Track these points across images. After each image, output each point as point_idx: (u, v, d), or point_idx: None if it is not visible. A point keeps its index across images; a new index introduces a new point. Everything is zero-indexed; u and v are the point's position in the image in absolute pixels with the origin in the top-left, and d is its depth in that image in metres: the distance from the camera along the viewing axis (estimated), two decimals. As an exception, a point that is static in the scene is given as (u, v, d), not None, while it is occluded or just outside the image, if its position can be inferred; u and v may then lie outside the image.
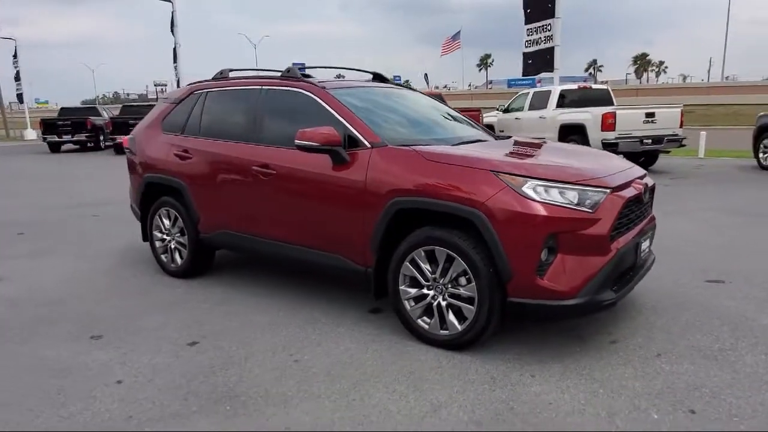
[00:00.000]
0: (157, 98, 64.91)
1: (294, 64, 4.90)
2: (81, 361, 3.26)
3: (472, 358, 3.17)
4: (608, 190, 3.06)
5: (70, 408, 2.73)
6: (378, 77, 5.02)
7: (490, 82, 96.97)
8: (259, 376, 3.02)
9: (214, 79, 4.80)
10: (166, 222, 4.84)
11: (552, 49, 16.06)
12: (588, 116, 11.04)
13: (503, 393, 2.79)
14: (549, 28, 16.10)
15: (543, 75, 16.84)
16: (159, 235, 4.93)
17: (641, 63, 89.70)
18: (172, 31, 24.91)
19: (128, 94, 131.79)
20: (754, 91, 53.18)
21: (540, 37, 16.41)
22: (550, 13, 16.03)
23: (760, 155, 11.14)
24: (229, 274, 4.90)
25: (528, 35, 16.83)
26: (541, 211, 2.90)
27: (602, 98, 12.71)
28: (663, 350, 3.20)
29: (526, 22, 16.81)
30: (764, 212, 7.19)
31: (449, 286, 3.21)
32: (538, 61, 16.45)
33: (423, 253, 3.27)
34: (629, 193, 3.24)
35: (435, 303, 3.27)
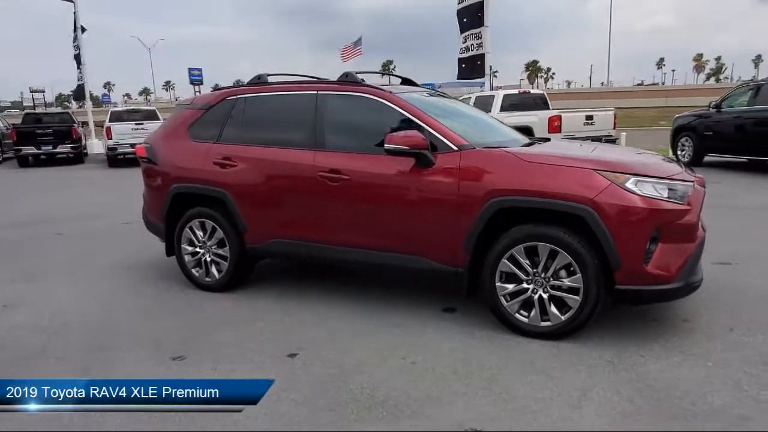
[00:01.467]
0: (34, 106, 59.82)
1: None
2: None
3: (574, 346, 3.36)
4: (692, 183, 3.40)
5: None
6: (407, 82, 5.10)
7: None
8: (390, 381, 3.01)
9: (250, 84, 4.64)
10: (200, 234, 4.59)
11: (482, 55, 16.96)
12: (535, 119, 11.77)
13: (629, 374, 3.01)
14: (480, 36, 16.98)
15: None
16: (189, 248, 4.66)
17: (533, 69, 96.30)
18: (75, 33, 23.10)
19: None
20: (627, 96, 59.00)
21: (473, 44, 17.24)
22: (481, 23, 16.92)
23: (678, 152, 12.46)
24: (264, 285, 4.73)
25: (463, 42, 17.62)
26: (647, 204, 3.17)
27: (540, 102, 13.59)
28: (732, 325, 3.58)
29: (462, 31, 17.60)
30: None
31: (551, 279, 3.39)
32: (471, 66, 17.30)
33: (523, 250, 3.42)
34: (699, 183, 3.61)
35: (536, 296, 3.44)
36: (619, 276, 3.22)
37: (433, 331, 3.67)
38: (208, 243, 4.58)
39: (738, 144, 11.20)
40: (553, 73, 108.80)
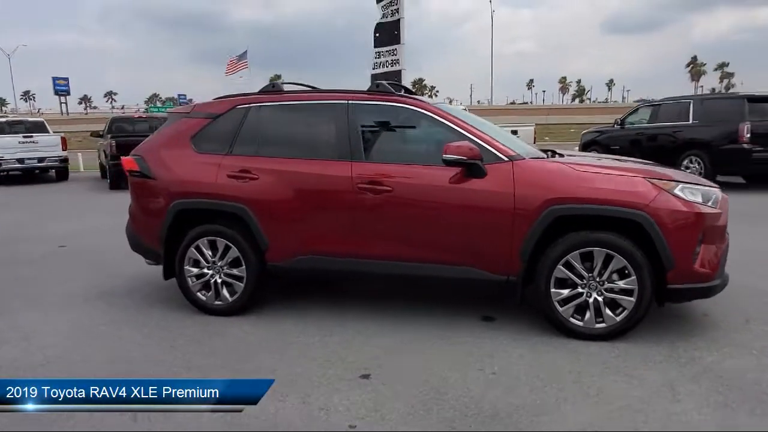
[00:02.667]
0: None
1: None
2: (264, 413, 2.79)
3: (628, 345, 3.53)
4: (719, 189, 3.75)
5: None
6: (408, 92, 5.09)
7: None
8: (487, 394, 2.97)
9: (263, 92, 4.37)
10: (208, 253, 4.21)
11: (399, 72, 17.37)
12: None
13: (695, 367, 3.21)
14: (395, 52, 17.37)
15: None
16: (194, 270, 4.25)
17: (419, 87, 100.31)
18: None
19: None
20: (502, 113, 63.64)
21: (387, 60, 17.55)
22: (397, 40, 17.33)
23: (587, 165, 13.61)
24: (271, 306, 4.43)
25: (376, 58, 17.89)
26: (694, 209, 3.45)
27: None
28: (749, 317, 3.96)
29: (376, 46, 17.85)
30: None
31: (605, 282, 3.55)
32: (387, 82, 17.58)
33: (579, 255, 3.55)
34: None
35: (591, 300, 3.58)
36: (671, 276, 3.46)
37: (489, 340, 3.67)
38: (219, 263, 4.21)
39: (638, 156, 12.49)
40: (437, 91, 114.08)
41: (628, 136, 12.76)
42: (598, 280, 3.56)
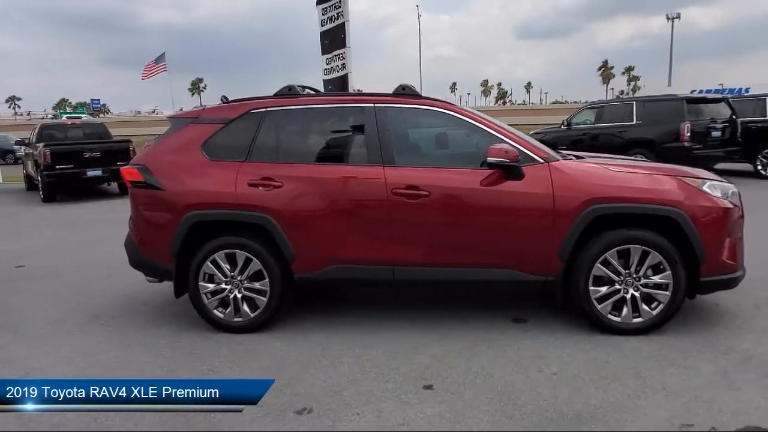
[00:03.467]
0: None
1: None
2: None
3: (666, 338, 3.63)
4: (734, 186, 3.96)
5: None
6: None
7: (204, 107, 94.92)
8: (559, 395, 2.96)
9: (278, 96, 4.16)
10: (226, 268, 3.96)
11: (346, 75, 17.26)
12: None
13: (736, 355, 3.37)
14: (343, 56, 17.24)
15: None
16: (210, 286, 3.98)
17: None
18: None
19: None
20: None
21: (337, 65, 17.40)
22: (343, 44, 17.20)
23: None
24: (292, 320, 4.23)
25: (327, 64, 17.67)
26: (721, 204, 3.63)
27: None
28: (757, 304, 4.20)
29: (324, 52, 17.61)
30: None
31: (642, 278, 3.65)
32: (336, 87, 17.44)
33: (616, 253, 3.64)
34: None
35: (628, 296, 3.67)
36: (704, 269, 3.62)
37: (531, 341, 3.68)
38: (239, 277, 3.96)
39: (586, 156, 13.11)
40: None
41: (575, 135, 13.35)
42: (634, 276, 3.66)
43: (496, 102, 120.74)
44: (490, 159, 3.56)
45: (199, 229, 3.95)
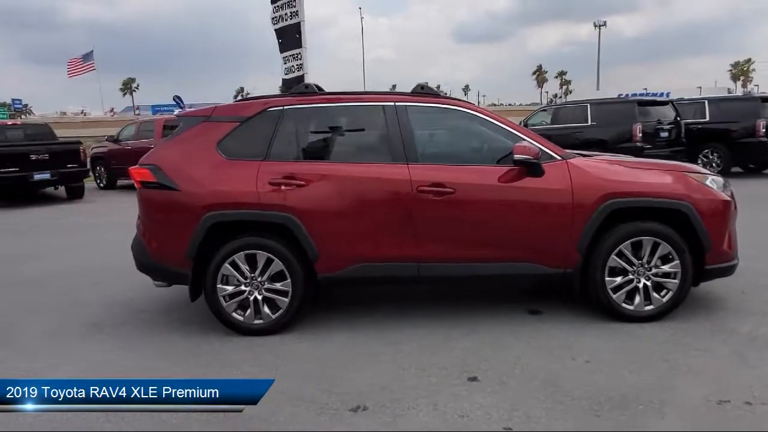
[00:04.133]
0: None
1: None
2: (412, 425, 2.67)
3: (674, 324, 3.85)
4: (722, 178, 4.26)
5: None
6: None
7: (137, 108, 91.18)
8: (600, 381, 3.10)
9: (295, 94, 4.11)
10: (245, 269, 3.88)
11: (302, 76, 17.12)
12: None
13: (742, 336, 3.63)
14: (299, 57, 17.08)
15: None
16: (229, 288, 3.89)
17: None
18: None
19: None
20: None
21: (293, 65, 17.23)
22: (299, 44, 17.05)
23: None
24: (310, 321, 4.20)
25: (285, 63, 17.45)
26: (722, 197, 3.91)
27: None
28: (743, 290, 4.52)
29: (281, 51, 17.39)
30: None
31: (653, 267, 3.88)
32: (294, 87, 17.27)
33: (630, 245, 3.85)
34: None
35: (640, 285, 3.89)
36: (708, 258, 3.88)
37: (554, 332, 3.81)
38: (260, 278, 3.89)
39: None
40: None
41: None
42: (646, 266, 3.88)
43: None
44: (516, 156, 3.68)
45: (217, 230, 3.85)
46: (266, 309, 3.92)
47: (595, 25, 61.49)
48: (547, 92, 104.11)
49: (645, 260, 3.87)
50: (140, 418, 2.76)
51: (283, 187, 3.81)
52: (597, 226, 3.79)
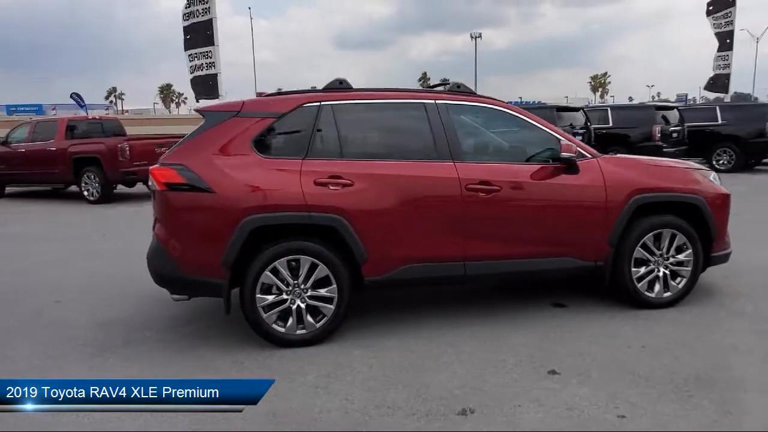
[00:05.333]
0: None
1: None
2: (520, 419, 2.67)
3: (690, 308, 4.14)
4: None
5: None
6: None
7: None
8: (669, 365, 3.28)
9: (330, 89, 3.89)
10: (287, 276, 3.61)
11: (215, 75, 16.27)
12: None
13: (754, 316, 4.02)
14: (210, 55, 16.22)
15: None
16: (269, 297, 3.60)
17: (167, 93, 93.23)
18: None
19: None
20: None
21: (202, 63, 16.32)
22: (210, 41, 16.19)
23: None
24: (349, 324, 4.01)
25: (191, 61, 16.42)
26: (723, 191, 4.32)
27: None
28: (725, 274, 4.99)
29: (186, 48, 16.38)
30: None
31: (670, 257, 4.19)
32: (204, 87, 16.38)
33: (652, 237, 4.13)
34: None
35: (660, 274, 4.18)
36: (714, 247, 4.28)
37: (585, 321, 3.98)
38: (303, 286, 3.64)
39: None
40: (185, 98, 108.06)
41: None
42: (664, 256, 4.18)
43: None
44: (564, 154, 3.80)
45: (259, 235, 3.55)
46: (309, 318, 3.67)
47: (472, 37, 64.61)
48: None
49: (664, 251, 4.17)
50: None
51: (330, 187, 3.60)
52: (627, 219, 4.02)
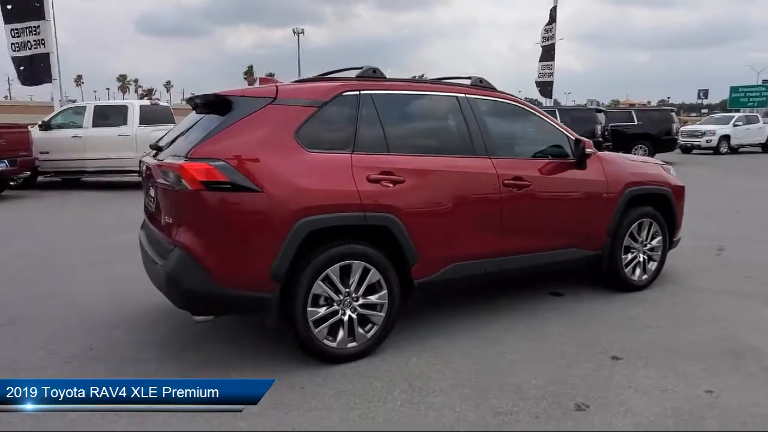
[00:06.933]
0: None
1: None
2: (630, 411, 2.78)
3: (670, 287, 4.65)
4: None
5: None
6: None
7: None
8: (702, 335, 3.65)
9: (365, 78, 3.54)
10: (339, 284, 3.25)
11: (47, 55, 13.88)
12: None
13: (736, 291, 4.60)
14: (38, 30, 13.78)
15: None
16: (320, 311, 3.20)
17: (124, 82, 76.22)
18: None
19: None
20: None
21: (29, 41, 13.77)
22: (39, 14, 13.75)
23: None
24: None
25: (14, 36, 13.70)
26: (681, 183, 4.92)
27: (170, 115, 12.69)
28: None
29: (7, 21, 13.63)
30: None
31: (647, 243, 4.67)
32: (34, 68, 13.86)
33: (637, 226, 4.55)
34: None
35: (640, 259, 4.63)
36: (675, 233, 4.86)
37: (588, 308, 4.24)
38: (355, 294, 3.30)
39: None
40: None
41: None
42: (643, 243, 4.64)
43: (142, 97, 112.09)
44: (588, 150, 3.99)
45: (314, 239, 3.12)
46: (360, 329, 3.34)
47: (294, 32, 63.68)
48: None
49: (643, 238, 4.63)
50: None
51: (382, 184, 3.31)
52: (621, 211, 4.38)
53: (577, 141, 4.10)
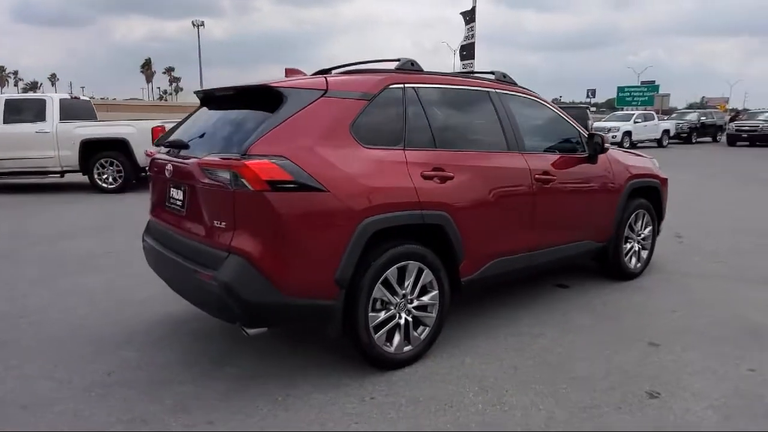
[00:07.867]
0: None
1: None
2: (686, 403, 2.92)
3: (663, 275, 4.94)
4: None
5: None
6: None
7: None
8: (725, 317, 3.88)
9: (404, 70, 3.39)
10: (396, 286, 3.10)
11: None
12: (133, 130, 10.25)
13: (733, 275, 4.95)
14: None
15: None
16: (380, 315, 3.05)
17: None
18: None
19: None
20: None
21: None
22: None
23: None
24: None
25: None
26: (664, 175, 5.21)
27: (92, 111, 11.65)
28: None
29: None
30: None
31: (642, 233, 4.91)
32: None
33: (635, 217, 4.77)
34: None
35: (636, 249, 4.87)
36: (661, 222, 5.16)
37: (600, 297, 4.38)
38: (411, 295, 3.17)
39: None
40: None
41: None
42: (638, 233, 4.87)
43: (25, 91, 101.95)
44: (606, 145, 4.11)
45: (376, 240, 2.95)
46: (414, 332, 3.22)
47: (194, 24, 60.34)
48: (159, 88, 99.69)
49: (639, 228, 4.86)
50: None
51: (436, 181, 3.20)
52: (624, 202, 4.56)
53: (592, 136, 4.21)
